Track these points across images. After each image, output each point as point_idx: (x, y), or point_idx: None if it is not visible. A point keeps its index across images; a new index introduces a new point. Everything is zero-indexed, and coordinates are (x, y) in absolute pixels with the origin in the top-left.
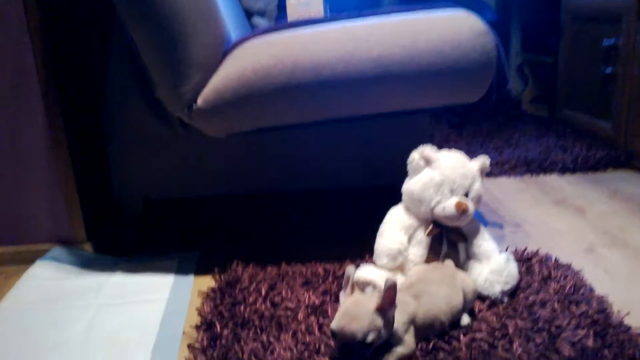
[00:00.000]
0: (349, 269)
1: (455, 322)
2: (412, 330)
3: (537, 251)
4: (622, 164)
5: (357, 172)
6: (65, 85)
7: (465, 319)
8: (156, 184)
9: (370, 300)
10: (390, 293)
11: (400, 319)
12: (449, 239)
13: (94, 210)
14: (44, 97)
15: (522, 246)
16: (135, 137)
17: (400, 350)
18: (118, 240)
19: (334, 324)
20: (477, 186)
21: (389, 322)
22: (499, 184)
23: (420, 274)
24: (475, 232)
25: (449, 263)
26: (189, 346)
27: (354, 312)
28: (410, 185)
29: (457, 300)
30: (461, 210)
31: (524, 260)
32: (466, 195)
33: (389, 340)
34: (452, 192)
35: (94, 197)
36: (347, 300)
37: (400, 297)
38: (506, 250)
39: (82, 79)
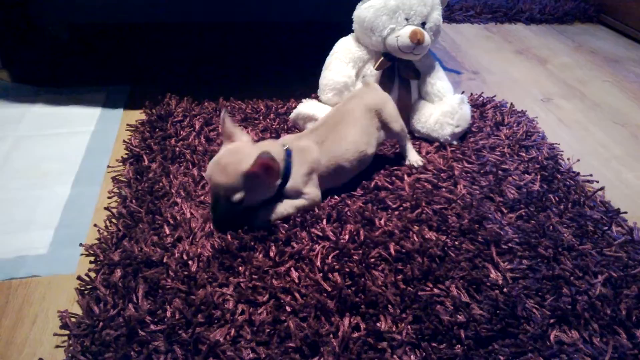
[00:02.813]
0: (224, 114)
1: (399, 160)
2: (315, 179)
3: (493, 97)
4: (591, 18)
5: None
6: None
7: (414, 157)
8: (82, 5)
9: (244, 157)
10: (262, 162)
11: (299, 170)
12: (400, 75)
13: (10, 35)
14: None
15: (478, 92)
16: None
17: (301, 202)
18: (40, 69)
19: (207, 170)
20: (436, 15)
21: (255, 189)
22: (461, 30)
23: (330, 115)
24: (430, 70)
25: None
26: (114, 179)
27: (226, 162)
28: (361, 11)
29: (366, 143)
30: (416, 40)
31: (479, 105)
32: (423, 25)
33: (285, 194)
34: (408, 19)
35: (10, 20)
36: (225, 148)
37: (302, 144)
38: (462, 93)
39: None
